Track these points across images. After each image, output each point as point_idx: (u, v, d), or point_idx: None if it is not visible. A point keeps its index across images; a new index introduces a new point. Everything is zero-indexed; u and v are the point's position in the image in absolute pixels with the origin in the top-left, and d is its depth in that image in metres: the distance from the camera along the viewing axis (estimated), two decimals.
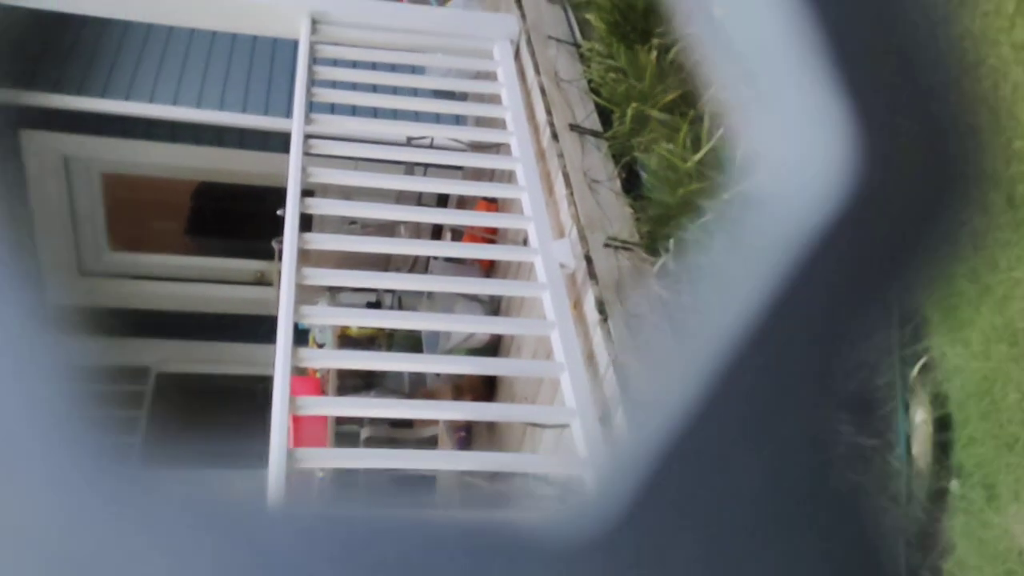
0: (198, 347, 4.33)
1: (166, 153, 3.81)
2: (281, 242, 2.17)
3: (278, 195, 2.33)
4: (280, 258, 2.52)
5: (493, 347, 3.13)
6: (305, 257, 2.17)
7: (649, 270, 2.20)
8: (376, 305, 3.49)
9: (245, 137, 3.70)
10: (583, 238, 2.36)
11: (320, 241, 2.20)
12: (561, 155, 2.60)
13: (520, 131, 2.66)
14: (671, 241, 2.07)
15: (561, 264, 2.33)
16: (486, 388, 3.07)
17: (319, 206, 2.35)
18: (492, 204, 3.19)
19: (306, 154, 2.40)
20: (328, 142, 2.45)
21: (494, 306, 3.15)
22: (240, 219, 4.50)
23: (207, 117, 3.58)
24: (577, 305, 2.31)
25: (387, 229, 3.17)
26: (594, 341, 2.18)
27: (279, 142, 3.08)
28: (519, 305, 3.00)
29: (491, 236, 3.20)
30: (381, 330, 3.35)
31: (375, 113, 3.13)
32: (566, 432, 2.01)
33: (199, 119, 3.59)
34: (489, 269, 3.25)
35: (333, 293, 3.27)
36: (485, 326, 2.60)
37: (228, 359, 4.30)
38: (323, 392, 3.20)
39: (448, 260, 3.17)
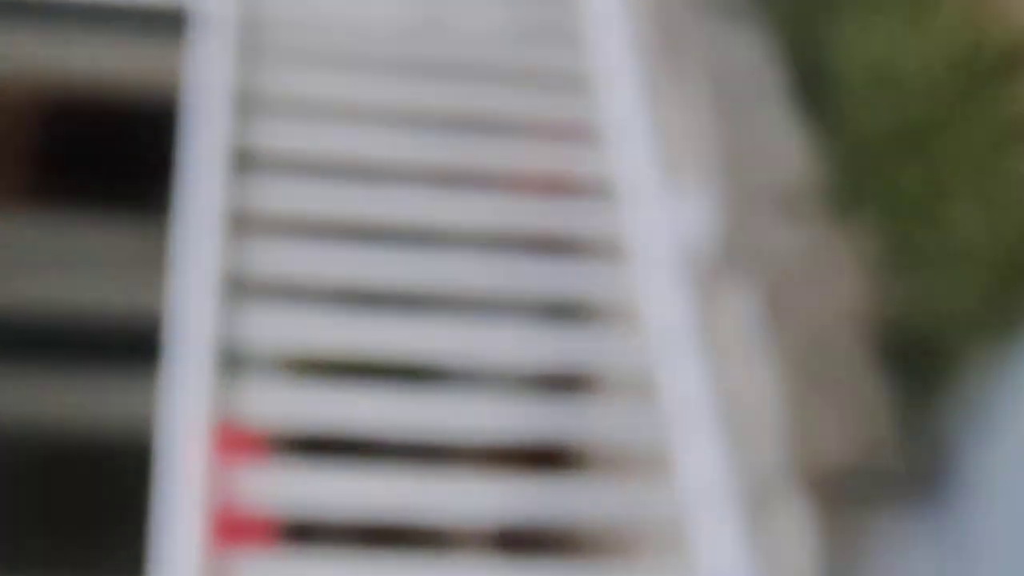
0: (39, 380, 4.36)
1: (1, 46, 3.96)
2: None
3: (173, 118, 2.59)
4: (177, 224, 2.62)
5: (554, 382, 3.10)
6: (242, 224, 2.37)
7: (843, 249, 2.10)
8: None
9: (122, 18, 3.79)
10: (722, 191, 2.50)
11: (275, 193, 2.44)
12: (680, 47, 2.81)
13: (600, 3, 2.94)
14: (885, 201, 2.11)
15: (679, 235, 2.43)
16: (542, 453, 3.02)
17: (271, 130, 2.56)
18: (551, 130, 3.26)
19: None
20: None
21: (555, 312, 3.16)
22: (112, 157, 4.58)
23: None
24: (709, 311, 2.41)
25: (373, 179, 3.20)
26: (739, 377, 2.31)
27: (171, 24, 3.20)
28: (600, 310, 3.04)
29: (550, 187, 3.21)
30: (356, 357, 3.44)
31: None
32: (688, 530, 2.13)
33: None
34: (546, 246, 3.22)
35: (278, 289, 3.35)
36: (539, 345, 2.60)
37: (90, 399, 4.36)
38: (263, 463, 3.22)
39: (474, 231, 3.15)
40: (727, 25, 2.78)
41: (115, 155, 4.79)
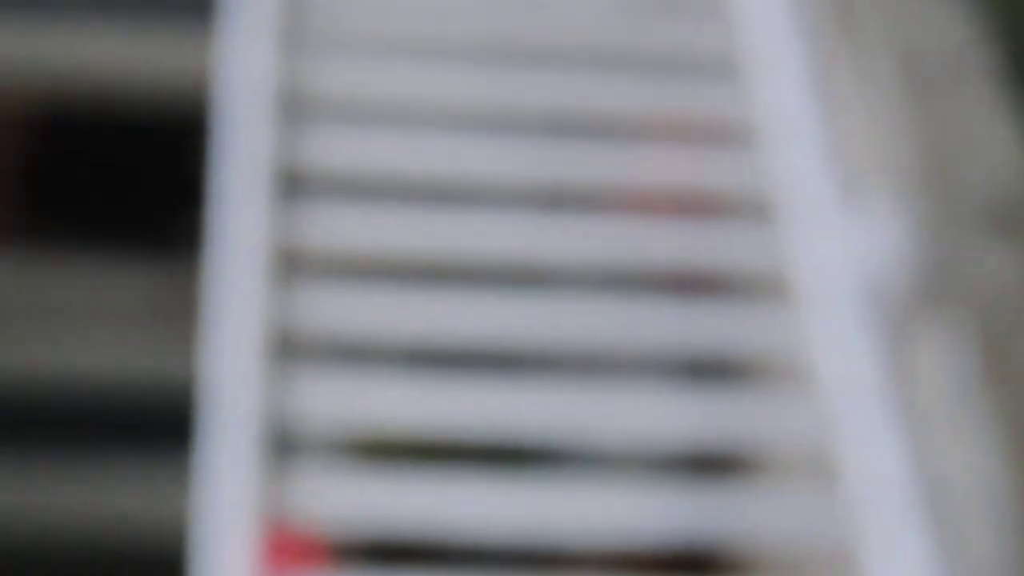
0: (38, 469, 4.46)
1: None
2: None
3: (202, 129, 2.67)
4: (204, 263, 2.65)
5: (702, 463, 3.12)
6: (292, 264, 2.48)
7: None
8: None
9: (134, 3, 3.96)
10: (917, 206, 2.51)
11: (333, 224, 2.52)
12: (859, 19, 2.81)
13: None
14: None
15: (862, 265, 2.49)
16: (689, 558, 3.04)
17: (325, 141, 2.63)
18: (688, 132, 3.25)
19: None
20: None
21: (700, 370, 3.20)
22: (125, 180, 4.67)
23: None
24: (903, 364, 2.45)
25: (456, 202, 3.20)
26: (945, 451, 2.32)
27: (202, 11, 3.26)
28: (760, 366, 3.06)
29: (689, 207, 3.27)
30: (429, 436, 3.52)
31: None
32: None
33: None
34: (685, 284, 3.26)
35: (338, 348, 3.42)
36: (680, 414, 2.64)
37: (103, 494, 4.44)
38: None
39: (589, 265, 3.19)
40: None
41: (129, 178, 4.89)
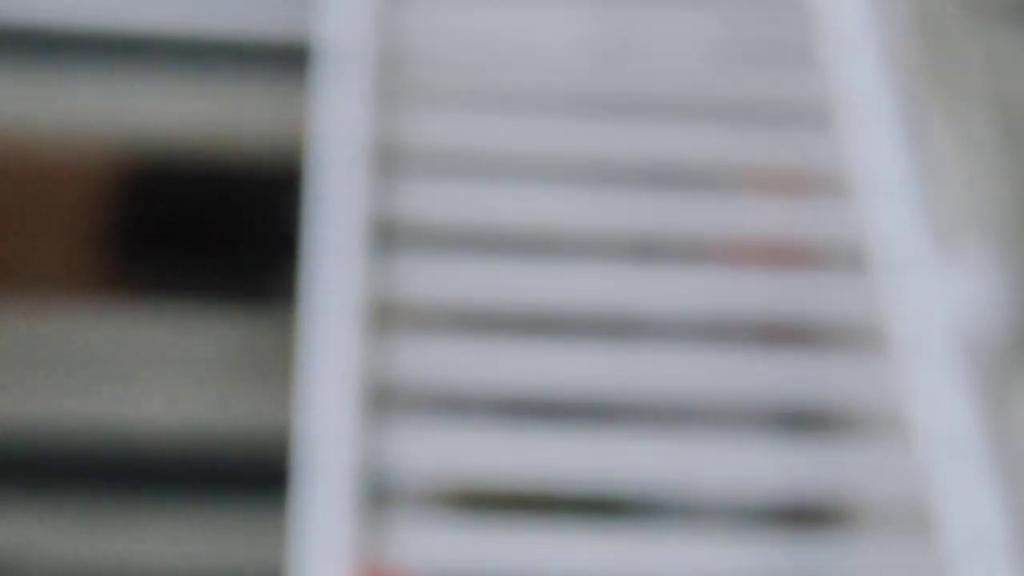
0: (124, 522, 4.45)
1: (71, 95, 4.09)
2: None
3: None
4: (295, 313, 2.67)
5: (797, 517, 3.08)
6: (388, 317, 2.49)
7: None
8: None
9: (228, 55, 3.93)
10: (1014, 256, 2.59)
11: (428, 276, 2.54)
12: (952, 65, 2.85)
13: (847, 9, 3.03)
14: None
15: (959, 316, 2.51)
16: None
17: (421, 194, 2.64)
18: (783, 182, 3.25)
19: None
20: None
21: (794, 422, 3.21)
22: (218, 231, 4.73)
23: (158, 24, 3.91)
24: (1001, 417, 2.48)
25: (552, 253, 3.19)
26: None
27: (295, 65, 3.28)
28: (855, 418, 3.07)
29: (781, 257, 3.27)
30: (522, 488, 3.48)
31: None
32: None
33: (139, 29, 3.91)
34: (778, 336, 3.25)
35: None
36: (776, 467, 2.68)
37: (196, 547, 4.44)
38: None
39: (684, 316, 3.17)
40: (1015, 34, 2.78)
41: (222, 229, 4.93)
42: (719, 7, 3.31)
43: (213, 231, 4.80)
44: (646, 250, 3.24)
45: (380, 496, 2.40)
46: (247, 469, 4.36)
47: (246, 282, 4.61)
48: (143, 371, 4.78)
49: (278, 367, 4.12)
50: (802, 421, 3.30)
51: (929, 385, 2.42)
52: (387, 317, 2.57)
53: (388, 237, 2.64)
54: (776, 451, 2.76)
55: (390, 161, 2.72)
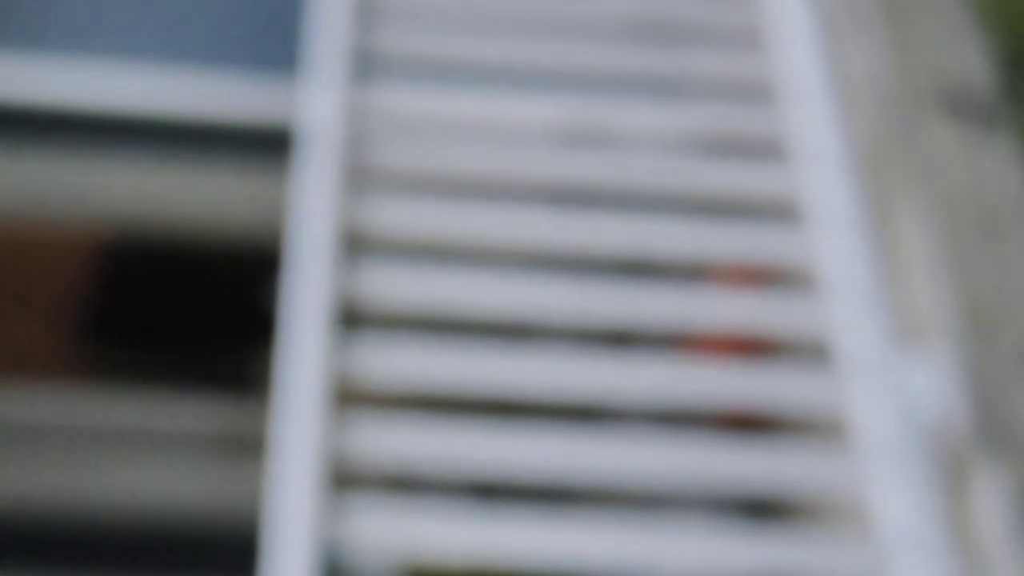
0: None
1: (49, 177, 4.10)
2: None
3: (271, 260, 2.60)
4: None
5: None
6: (349, 395, 2.48)
7: None
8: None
9: (205, 144, 3.94)
10: (968, 350, 2.50)
11: (402, 360, 2.51)
12: (914, 164, 2.85)
13: (813, 109, 3.00)
14: None
15: (913, 411, 2.50)
16: None
17: (385, 279, 2.63)
18: (748, 275, 3.31)
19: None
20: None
21: (754, 511, 3.28)
22: (193, 316, 4.73)
23: (139, 103, 3.86)
24: (958, 513, 2.44)
25: (520, 340, 3.20)
26: None
27: (274, 150, 3.31)
28: (815, 509, 3.10)
29: (746, 347, 3.33)
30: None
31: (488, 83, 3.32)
32: None
33: (120, 108, 3.87)
34: (744, 425, 3.34)
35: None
36: (736, 557, 2.64)
37: None
38: None
39: (650, 404, 3.19)
40: (973, 136, 2.81)
41: (200, 312, 4.91)
42: (689, 100, 3.33)
43: (191, 314, 4.79)
44: (614, 339, 3.24)
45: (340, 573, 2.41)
46: (216, 546, 4.34)
47: (223, 365, 4.60)
48: (117, 453, 4.76)
49: (252, 448, 4.11)
50: (763, 509, 3.30)
51: (888, 481, 2.43)
52: (351, 399, 2.58)
53: (354, 320, 2.66)
54: (736, 538, 2.74)
55: (358, 246, 2.75)
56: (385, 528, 2.44)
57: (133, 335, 4.92)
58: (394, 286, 2.73)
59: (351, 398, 2.54)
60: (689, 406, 3.05)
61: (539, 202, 3.00)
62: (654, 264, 3.06)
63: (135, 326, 4.92)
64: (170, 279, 4.74)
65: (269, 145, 3.60)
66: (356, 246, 2.75)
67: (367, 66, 3.08)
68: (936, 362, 2.55)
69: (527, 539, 2.52)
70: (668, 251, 3.00)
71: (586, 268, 2.94)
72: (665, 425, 3.22)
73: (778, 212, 3.01)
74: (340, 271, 2.65)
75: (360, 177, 2.83)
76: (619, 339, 3.16)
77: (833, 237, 2.78)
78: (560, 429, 2.66)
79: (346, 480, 2.47)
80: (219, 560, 4.27)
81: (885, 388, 2.52)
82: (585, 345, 2.96)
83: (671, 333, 3.27)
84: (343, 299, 2.65)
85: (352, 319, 2.63)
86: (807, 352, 2.96)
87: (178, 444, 4.70)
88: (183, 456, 4.63)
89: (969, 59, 2.94)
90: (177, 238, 4.45)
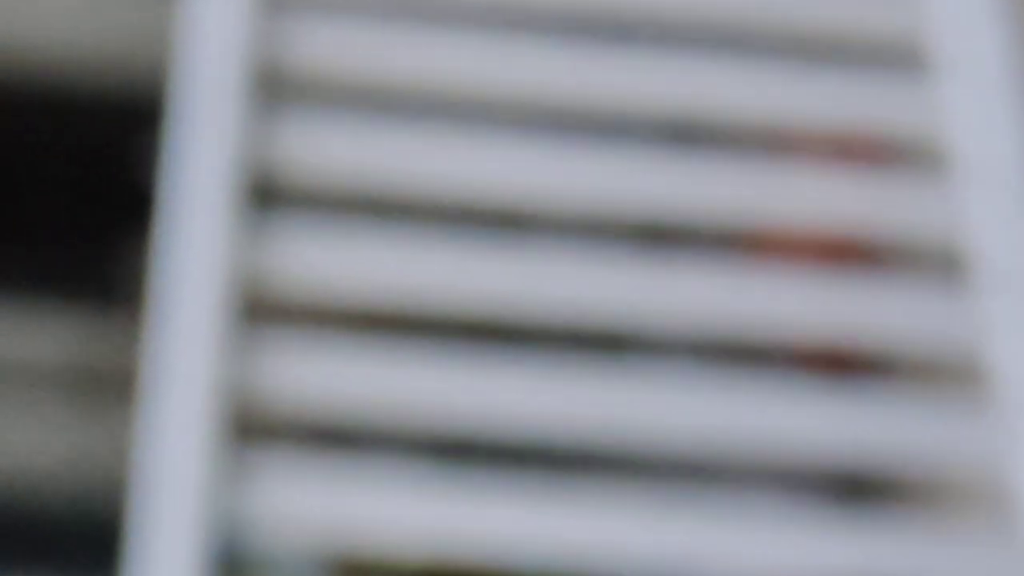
0: None
1: None
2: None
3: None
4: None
5: None
6: (260, 306, 2.58)
7: None
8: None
9: None
10: None
11: (332, 254, 2.59)
12: None
13: None
14: None
15: None
16: None
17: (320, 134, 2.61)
18: (852, 148, 3.32)
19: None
20: None
21: (855, 489, 3.35)
22: (48, 188, 4.80)
23: None
24: None
25: (493, 226, 3.20)
26: None
27: None
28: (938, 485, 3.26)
29: (843, 252, 3.39)
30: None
31: None
32: None
33: None
34: (838, 362, 3.40)
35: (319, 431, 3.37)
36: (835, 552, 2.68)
37: None
38: None
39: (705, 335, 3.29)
40: None
41: (41, 189, 4.98)
42: None
43: (34, 189, 4.79)
44: (649, 236, 3.25)
45: (241, 558, 2.46)
46: (67, 524, 4.38)
47: (80, 265, 4.61)
48: None
49: (119, 386, 4.14)
50: (865, 487, 3.30)
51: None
52: (269, 311, 2.61)
53: (270, 197, 2.69)
54: (826, 530, 2.78)
55: (278, 89, 2.78)
56: (307, 500, 2.51)
57: None
58: (327, 147, 2.76)
59: (263, 311, 2.58)
60: (758, 335, 3.10)
61: (543, 30, 3.02)
62: (713, 127, 3.05)
63: None
64: (2, 135, 4.75)
65: None
66: (275, 89, 2.78)
67: None
68: None
69: (511, 522, 2.59)
70: (735, 108, 3.02)
71: (612, 130, 2.94)
72: (722, 363, 3.27)
73: (898, 60, 3.04)
74: (253, 124, 2.69)
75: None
76: (658, 236, 3.16)
77: (973, 99, 2.83)
78: (568, 365, 2.71)
79: (254, 430, 2.53)
80: (70, 544, 4.33)
81: None
82: (608, 244, 2.99)
83: (735, 229, 3.25)
84: (256, 166, 2.69)
85: (267, 196, 2.67)
86: (930, 262, 3.04)
87: (12, 382, 4.73)
88: (17, 399, 4.67)
89: None
90: (14, 72, 4.45)
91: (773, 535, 2.67)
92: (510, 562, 2.65)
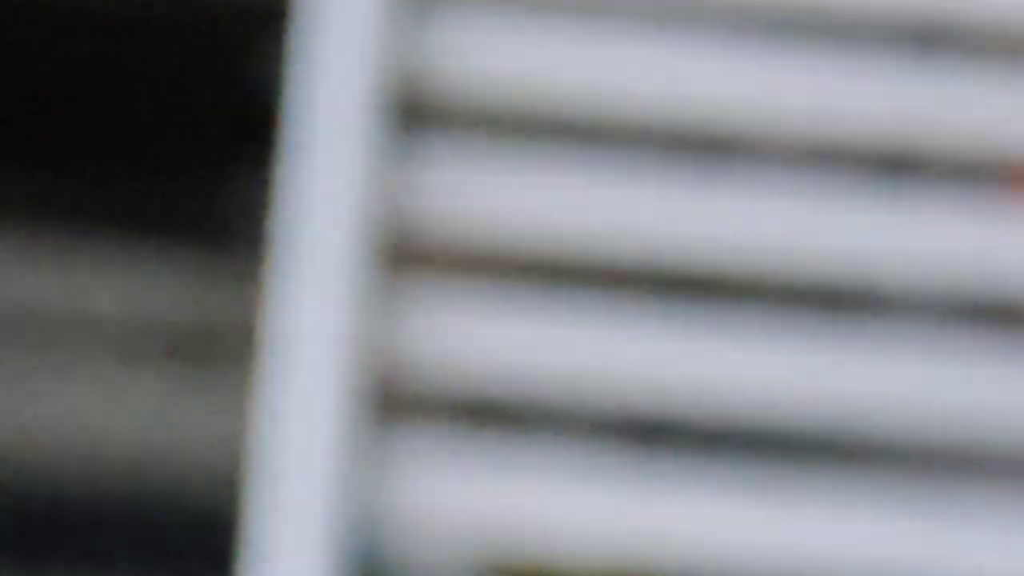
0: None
1: None
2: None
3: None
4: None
5: None
6: (407, 257, 2.61)
7: None
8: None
9: None
10: None
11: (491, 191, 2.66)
12: None
13: None
14: None
15: None
16: None
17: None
18: None
19: None
20: None
21: None
22: (127, 111, 4.85)
23: None
24: None
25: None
26: None
27: None
28: None
29: None
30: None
31: None
32: None
33: None
34: None
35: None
36: None
37: None
38: None
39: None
40: None
41: (139, 113, 5.00)
42: None
43: (130, 113, 4.86)
44: (888, 164, 3.27)
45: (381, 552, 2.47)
46: (177, 509, 4.46)
47: (189, 205, 4.68)
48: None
49: (235, 351, 4.19)
50: None
51: None
52: (421, 262, 2.62)
53: (419, 117, 2.70)
54: None
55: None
56: (462, 491, 2.52)
57: (23, 155, 5.02)
58: (491, 56, 2.77)
59: (413, 258, 2.59)
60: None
61: None
62: (968, 29, 3.07)
63: (26, 136, 5.01)
64: (90, 46, 4.82)
65: None
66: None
67: None
68: None
69: (713, 521, 2.62)
70: (990, 15, 3.02)
71: (840, 34, 2.96)
72: (979, 327, 3.28)
73: None
74: (398, 25, 2.69)
75: None
76: (898, 166, 3.17)
77: None
78: (786, 328, 2.72)
79: (400, 404, 2.54)
80: (173, 543, 4.41)
81: None
82: (835, 176, 3.00)
83: (993, 157, 3.27)
84: (403, 77, 2.69)
85: (417, 114, 2.66)
86: None
87: (104, 343, 4.80)
88: (107, 364, 4.75)
89: None
90: None
91: None
92: (710, 570, 2.69)
